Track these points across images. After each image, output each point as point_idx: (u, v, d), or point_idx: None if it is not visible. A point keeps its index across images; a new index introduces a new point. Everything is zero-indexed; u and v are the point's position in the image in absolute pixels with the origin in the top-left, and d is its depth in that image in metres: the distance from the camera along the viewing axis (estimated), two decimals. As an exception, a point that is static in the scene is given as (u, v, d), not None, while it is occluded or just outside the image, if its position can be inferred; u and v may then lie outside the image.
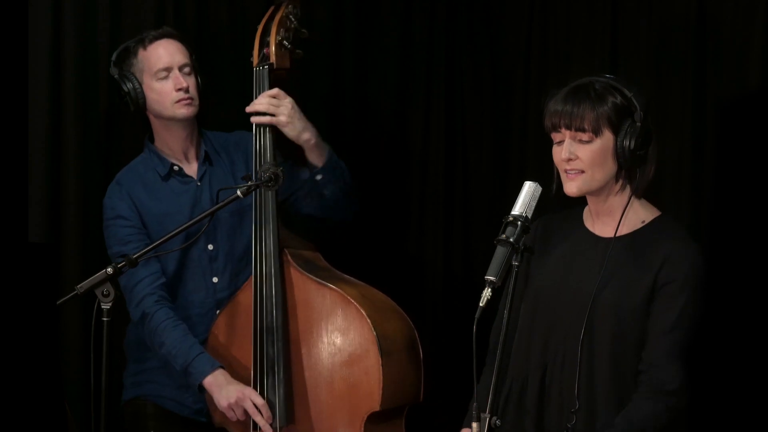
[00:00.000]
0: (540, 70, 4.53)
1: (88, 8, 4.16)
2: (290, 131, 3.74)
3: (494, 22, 4.65)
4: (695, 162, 4.11)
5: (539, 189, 3.08)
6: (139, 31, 4.15)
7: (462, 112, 4.70)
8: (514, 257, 3.02)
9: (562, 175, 3.23)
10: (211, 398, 3.70)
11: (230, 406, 3.61)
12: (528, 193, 3.07)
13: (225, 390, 3.61)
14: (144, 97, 3.79)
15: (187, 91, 3.78)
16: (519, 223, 3.03)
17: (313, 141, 3.76)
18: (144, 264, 3.68)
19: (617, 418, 3.12)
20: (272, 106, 3.72)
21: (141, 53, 3.80)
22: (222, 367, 3.65)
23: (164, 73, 3.78)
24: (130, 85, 3.79)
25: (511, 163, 4.61)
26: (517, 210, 3.05)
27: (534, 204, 3.06)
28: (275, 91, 3.74)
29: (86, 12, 4.15)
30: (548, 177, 3.29)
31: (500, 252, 3.02)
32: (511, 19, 4.62)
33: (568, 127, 3.18)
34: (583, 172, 3.19)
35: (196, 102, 3.81)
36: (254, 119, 3.75)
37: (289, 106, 3.74)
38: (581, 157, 3.18)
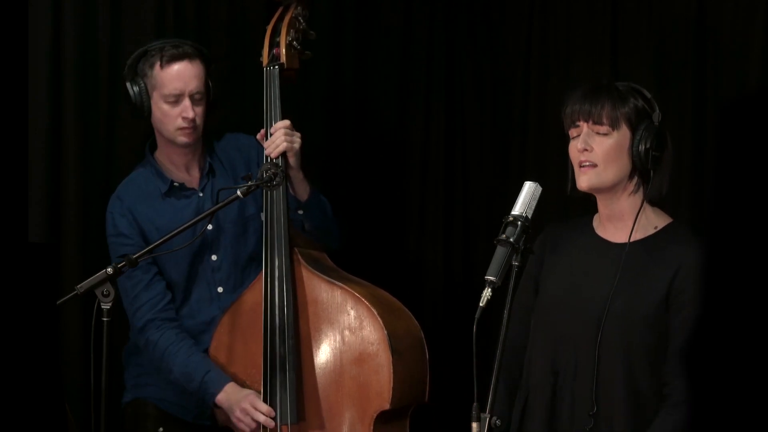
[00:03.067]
0: (540, 71, 4.53)
1: (88, 8, 4.15)
2: (295, 162, 3.73)
3: (494, 22, 4.65)
4: (695, 162, 4.11)
5: (539, 189, 3.08)
6: (139, 31, 4.16)
7: (462, 112, 4.70)
8: (514, 257, 3.02)
9: (576, 170, 3.24)
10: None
11: (238, 420, 3.64)
12: (528, 193, 3.07)
13: (230, 404, 3.65)
14: (149, 109, 3.77)
15: (192, 122, 3.74)
16: (519, 223, 3.02)
17: (301, 176, 3.77)
18: (145, 287, 3.71)
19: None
20: (287, 136, 3.72)
21: (157, 69, 3.74)
22: (230, 381, 3.67)
23: (173, 99, 3.73)
24: (137, 92, 3.75)
25: (511, 163, 4.61)
26: (517, 210, 3.05)
27: (534, 204, 3.06)
28: (288, 122, 3.74)
29: (86, 12, 4.15)
30: (548, 177, 3.28)
31: (500, 252, 3.02)
32: (511, 19, 4.62)
33: (587, 120, 3.20)
34: (595, 165, 3.20)
35: (199, 130, 3.78)
36: (274, 154, 3.73)
37: (299, 138, 3.74)
38: (596, 150, 3.20)
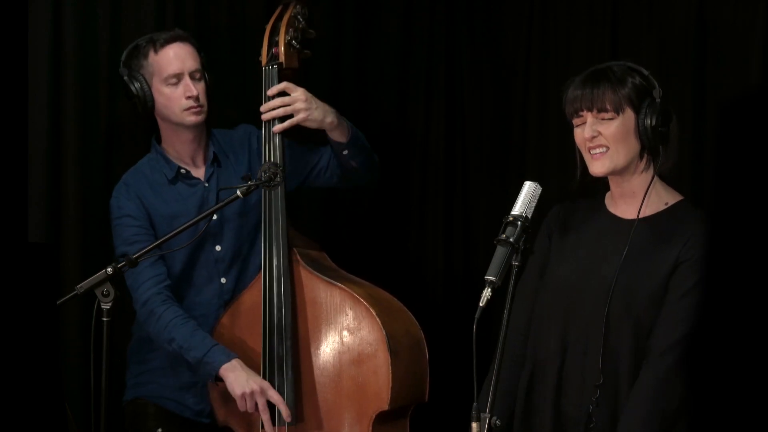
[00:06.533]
0: (540, 70, 4.54)
1: (88, 8, 4.16)
2: (311, 123, 3.75)
3: (494, 22, 4.66)
4: (695, 162, 4.11)
5: (539, 189, 3.08)
6: (139, 31, 4.16)
7: (462, 112, 4.70)
8: (514, 257, 3.02)
9: (586, 157, 3.28)
10: (216, 396, 3.71)
11: (244, 396, 3.58)
12: (528, 193, 3.07)
13: (243, 378, 3.59)
14: (153, 100, 3.77)
15: (197, 99, 3.75)
16: (519, 223, 3.03)
17: (335, 122, 3.77)
18: (151, 264, 3.68)
19: (629, 400, 3.16)
20: (285, 104, 3.72)
21: (152, 56, 3.77)
22: (237, 357, 3.64)
23: (174, 80, 3.75)
24: (138, 86, 3.76)
25: (511, 163, 4.61)
26: (517, 210, 3.06)
27: (534, 204, 3.07)
28: (283, 84, 3.73)
29: (86, 12, 4.15)
30: (548, 177, 3.29)
31: (500, 252, 3.02)
32: (511, 19, 4.62)
33: (590, 109, 3.24)
34: (608, 149, 3.22)
35: (205, 109, 3.79)
36: (266, 116, 3.75)
37: (303, 97, 3.74)
38: (604, 134, 3.23)
